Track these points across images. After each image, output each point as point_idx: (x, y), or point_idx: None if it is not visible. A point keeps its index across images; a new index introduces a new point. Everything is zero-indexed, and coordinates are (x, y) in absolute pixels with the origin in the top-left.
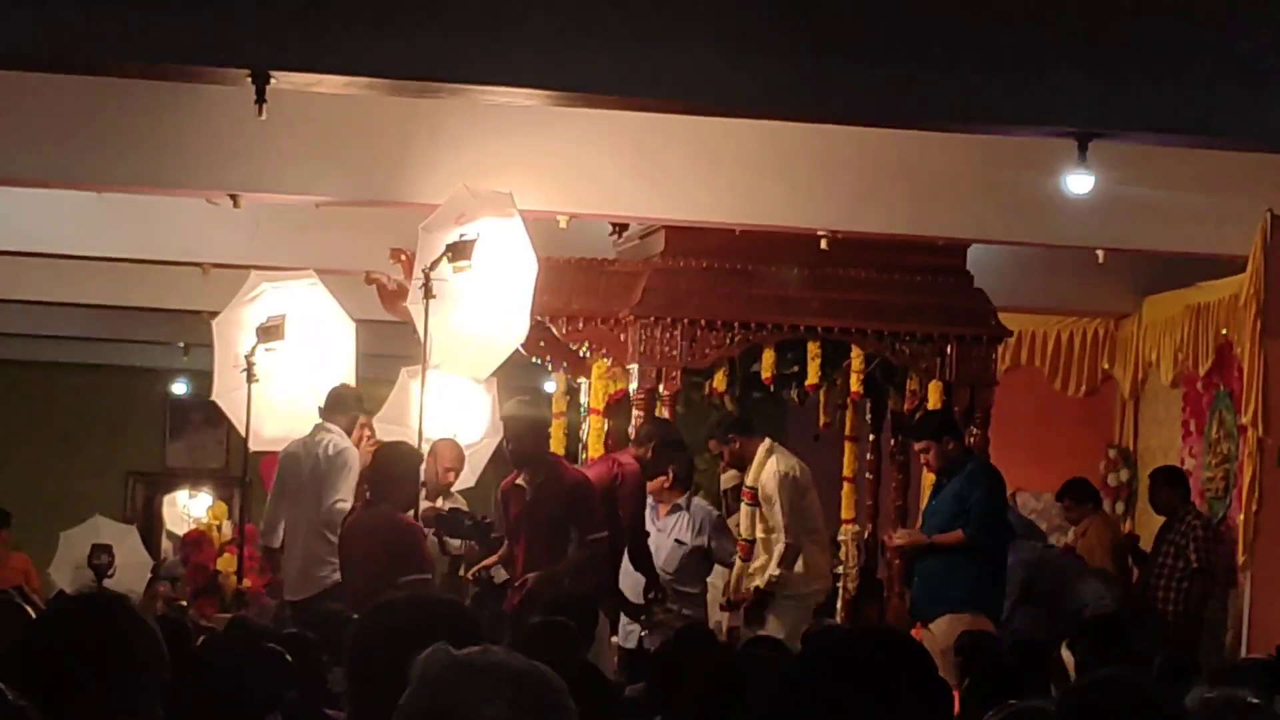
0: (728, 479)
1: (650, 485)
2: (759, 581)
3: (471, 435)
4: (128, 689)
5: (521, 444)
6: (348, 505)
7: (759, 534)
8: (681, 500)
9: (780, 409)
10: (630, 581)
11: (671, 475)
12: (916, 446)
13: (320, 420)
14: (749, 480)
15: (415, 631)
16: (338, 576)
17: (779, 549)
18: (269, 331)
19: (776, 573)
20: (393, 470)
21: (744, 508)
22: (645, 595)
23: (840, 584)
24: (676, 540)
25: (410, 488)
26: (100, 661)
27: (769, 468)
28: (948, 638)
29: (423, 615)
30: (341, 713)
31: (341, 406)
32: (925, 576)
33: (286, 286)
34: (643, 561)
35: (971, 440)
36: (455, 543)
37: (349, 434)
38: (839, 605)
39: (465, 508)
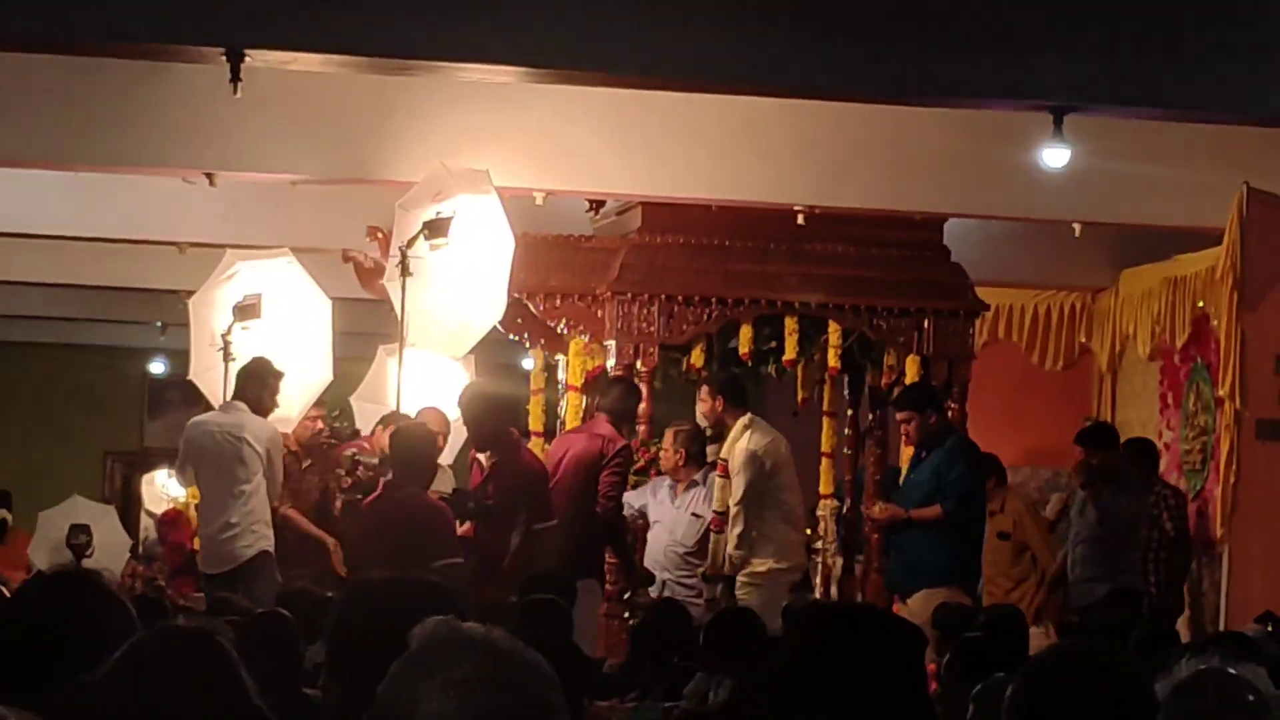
0: (709, 453)
1: (665, 465)
2: (725, 567)
3: (449, 413)
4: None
5: (480, 427)
6: (256, 482)
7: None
8: (698, 475)
9: (758, 384)
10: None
11: (685, 453)
12: (899, 417)
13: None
14: (723, 452)
15: (397, 610)
16: (256, 549)
17: (737, 528)
18: (245, 310)
19: (731, 552)
20: (414, 451)
21: (717, 480)
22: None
23: (820, 559)
24: (694, 514)
25: (432, 468)
26: (73, 639)
27: (740, 443)
28: (924, 612)
29: (404, 594)
30: (317, 690)
31: (251, 382)
32: (902, 550)
33: (262, 265)
34: (615, 537)
35: (950, 414)
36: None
37: (261, 407)
38: (818, 580)
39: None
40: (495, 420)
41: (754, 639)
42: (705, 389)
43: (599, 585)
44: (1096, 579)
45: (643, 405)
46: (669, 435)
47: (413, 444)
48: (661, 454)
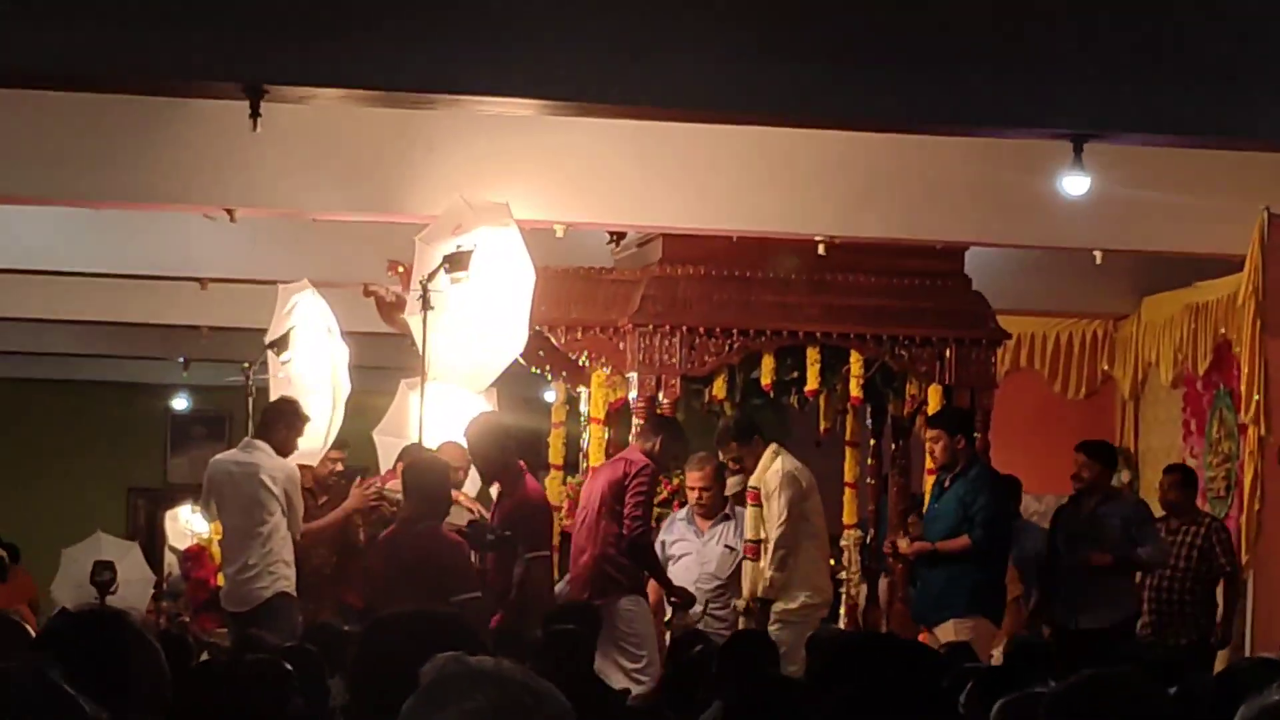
0: (733, 484)
1: (704, 499)
2: (760, 591)
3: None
4: (129, 707)
5: (486, 459)
6: (274, 523)
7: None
8: (727, 508)
9: (781, 415)
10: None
11: (699, 493)
12: (928, 435)
13: (251, 436)
14: (753, 480)
15: (417, 645)
16: (276, 589)
17: (773, 549)
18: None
19: (769, 576)
20: (427, 484)
21: (749, 509)
22: (668, 600)
23: (843, 589)
24: (726, 546)
25: (446, 500)
26: (101, 679)
27: (774, 466)
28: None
29: (425, 629)
30: None
31: (278, 423)
32: (928, 581)
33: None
34: (644, 558)
35: (974, 444)
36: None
37: (285, 448)
38: (842, 610)
39: (476, 513)
40: (500, 452)
41: (769, 664)
42: (734, 444)
43: (644, 599)
44: None
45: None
46: (708, 470)
47: (426, 477)
48: (695, 489)
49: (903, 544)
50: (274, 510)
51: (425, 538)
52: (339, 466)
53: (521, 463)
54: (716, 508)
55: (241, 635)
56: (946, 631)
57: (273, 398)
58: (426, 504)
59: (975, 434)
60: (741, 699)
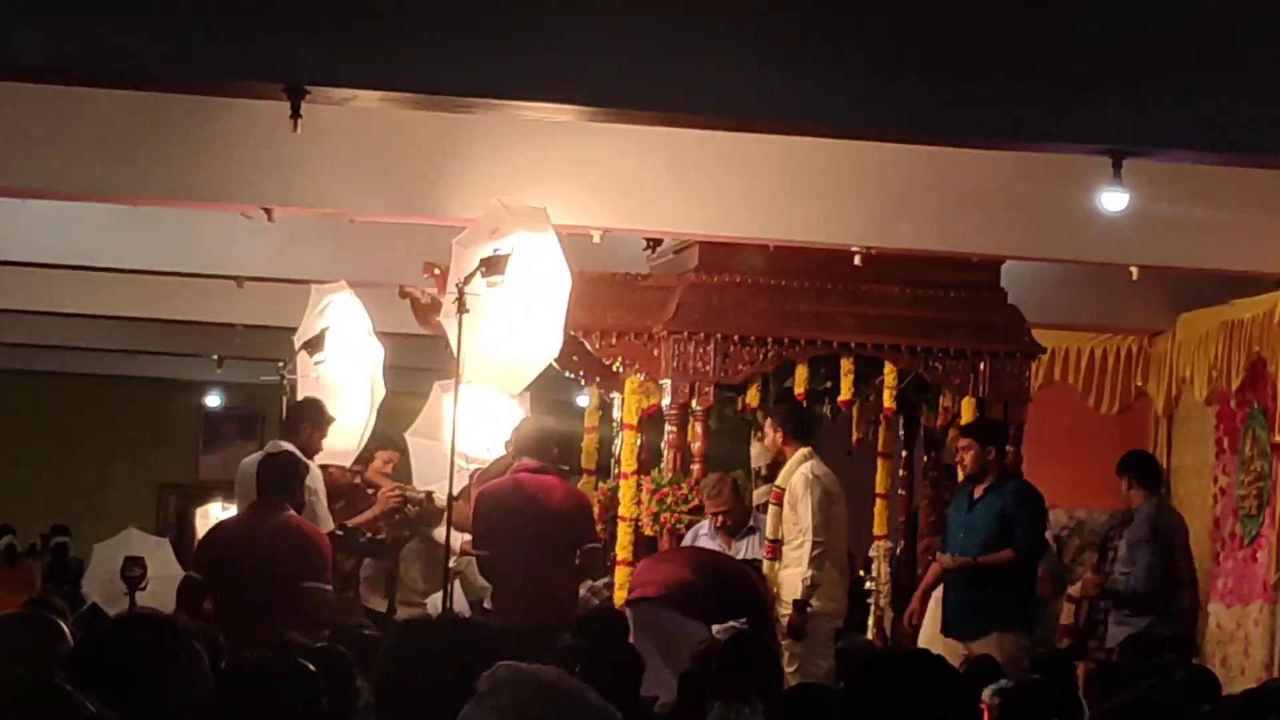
0: (759, 494)
1: (725, 510)
2: (796, 593)
3: (503, 449)
4: (172, 713)
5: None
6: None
7: (785, 536)
8: (752, 520)
9: (815, 425)
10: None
11: (722, 518)
12: (960, 443)
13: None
14: (779, 481)
15: (443, 652)
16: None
17: (808, 550)
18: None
19: (809, 574)
20: (284, 474)
21: (771, 508)
22: None
23: (872, 600)
24: (751, 558)
25: (301, 491)
26: (143, 687)
27: (801, 469)
28: (1000, 655)
29: (450, 637)
30: None
31: (303, 423)
32: (962, 594)
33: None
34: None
35: (1006, 457)
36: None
37: (310, 448)
38: (870, 622)
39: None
40: (546, 457)
41: (769, 666)
42: (769, 421)
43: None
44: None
45: (698, 444)
46: (725, 494)
47: (282, 468)
48: (715, 514)
49: (947, 560)
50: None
51: (279, 526)
52: (389, 469)
53: (565, 467)
54: (740, 525)
55: (268, 636)
56: (989, 646)
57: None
58: (281, 494)
59: (1008, 447)
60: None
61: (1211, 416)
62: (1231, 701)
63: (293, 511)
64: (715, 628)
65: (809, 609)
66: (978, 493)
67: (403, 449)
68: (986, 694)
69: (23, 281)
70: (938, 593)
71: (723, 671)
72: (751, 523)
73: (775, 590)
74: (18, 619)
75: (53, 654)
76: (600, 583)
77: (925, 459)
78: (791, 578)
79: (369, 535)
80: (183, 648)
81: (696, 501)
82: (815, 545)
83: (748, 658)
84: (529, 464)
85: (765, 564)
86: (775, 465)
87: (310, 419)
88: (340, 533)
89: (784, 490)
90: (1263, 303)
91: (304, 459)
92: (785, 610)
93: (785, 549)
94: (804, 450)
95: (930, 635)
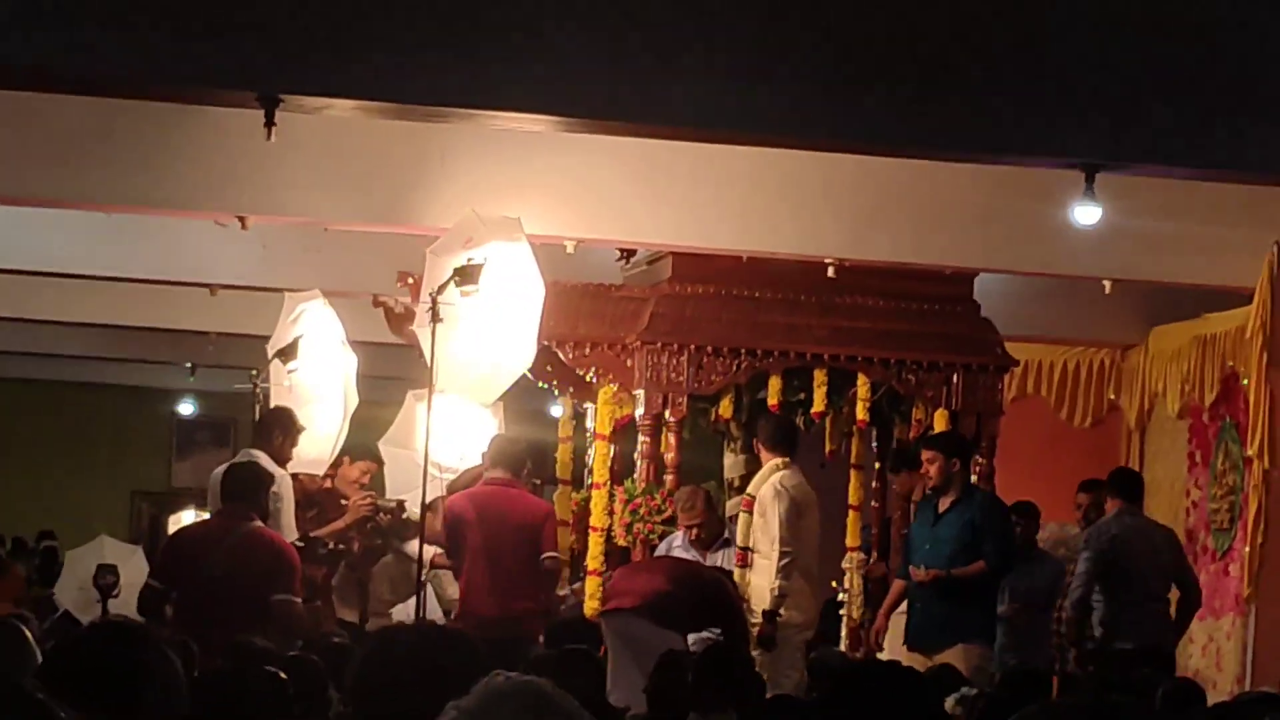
0: (732, 505)
1: (690, 539)
2: (765, 603)
3: (476, 459)
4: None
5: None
6: (293, 532)
7: (755, 545)
8: (726, 533)
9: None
10: None
11: (696, 531)
12: (924, 456)
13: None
14: (750, 489)
15: (418, 660)
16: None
17: (777, 560)
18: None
19: (777, 584)
20: (247, 484)
21: (742, 516)
22: None
23: (844, 611)
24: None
25: (265, 501)
26: (116, 694)
27: (771, 480)
28: (965, 667)
29: (426, 644)
30: None
31: (275, 431)
32: (929, 605)
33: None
34: None
35: (977, 470)
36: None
37: (281, 456)
38: (843, 633)
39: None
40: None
41: (748, 677)
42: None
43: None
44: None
45: (671, 454)
46: (697, 506)
47: (245, 477)
48: (689, 527)
49: (918, 573)
50: (281, 523)
51: (247, 536)
52: (366, 479)
53: (537, 481)
54: (714, 537)
55: (235, 643)
56: (954, 657)
57: (277, 406)
58: (244, 503)
59: (978, 459)
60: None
61: (1184, 430)
62: (1204, 715)
63: (259, 521)
64: (691, 638)
65: (778, 618)
66: (943, 505)
67: (381, 460)
68: (949, 702)
69: None
70: (900, 610)
71: (700, 683)
72: (725, 534)
73: (745, 599)
74: None
75: (16, 661)
76: (569, 592)
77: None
78: (760, 587)
79: (330, 545)
80: (156, 656)
81: (670, 512)
82: (783, 555)
83: (725, 669)
84: (498, 477)
85: (736, 572)
86: (748, 476)
87: (281, 427)
88: (301, 543)
89: (754, 498)
90: (1235, 317)
91: (268, 468)
92: (755, 620)
93: (756, 557)
94: (777, 460)
95: (893, 651)
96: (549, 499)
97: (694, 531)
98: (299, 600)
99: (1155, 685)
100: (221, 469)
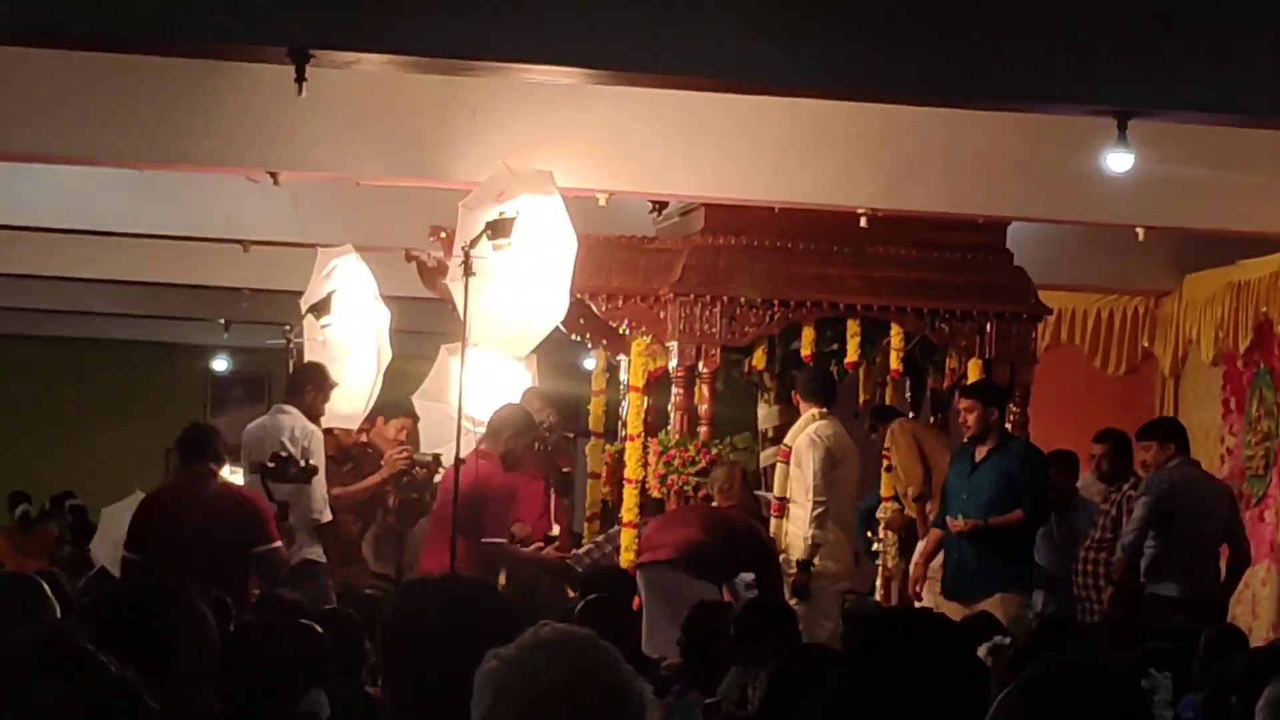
0: (767, 456)
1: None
2: (799, 553)
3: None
4: (179, 678)
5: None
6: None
7: (792, 494)
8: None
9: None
10: None
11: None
12: (962, 405)
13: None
14: (786, 439)
15: (446, 613)
16: (297, 558)
17: (811, 510)
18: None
19: (810, 534)
20: (205, 437)
21: (779, 467)
22: None
23: (880, 562)
24: None
25: (219, 457)
26: (148, 651)
27: (807, 431)
28: (1003, 616)
29: (454, 597)
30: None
31: (307, 386)
32: (965, 555)
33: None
34: None
35: (1011, 418)
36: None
37: (313, 412)
38: (878, 582)
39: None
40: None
41: (787, 630)
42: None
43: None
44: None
45: (704, 406)
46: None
47: (197, 436)
48: (725, 495)
49: (956, 523)
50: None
51: (215, 497)
52: (404, 435)
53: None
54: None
55: (263, 595)
56: (993, 606)
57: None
58: (205, 458)
59: (1012, 408)
60: (779, 669)
61: (1218, 377)
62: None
63: (219, 475)
64: (738, 584)
65: (813, 568)
66: (979, 455)
67: (416, 415)
68: (981, 651)
69: (29, 247)
70: (937, 560)
71: (740, 636)
72: (764, 514)
73: (782, 548)
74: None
75: (36, 617)
76: (607, 543)
77: (932, 420)
78: (796, 537)
79: (302, 464)
80: (189, 611)
81: (704, 464)
82: (817, 505)
83: (767, 622)
84: (483, 450)
85: (773, 522)
86: (782, 428)
87: (313, 382)
88: (272, 464)
89: (790, 449)
90: (1269, 263)
91: (300, 423)
92: (789, 570)
93: (792, 507)
94: (815, 411)
95: (932, 602)
96: (581, 452)
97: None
98: (278, 543)
99: (1196, 633)
100: (255, 425)
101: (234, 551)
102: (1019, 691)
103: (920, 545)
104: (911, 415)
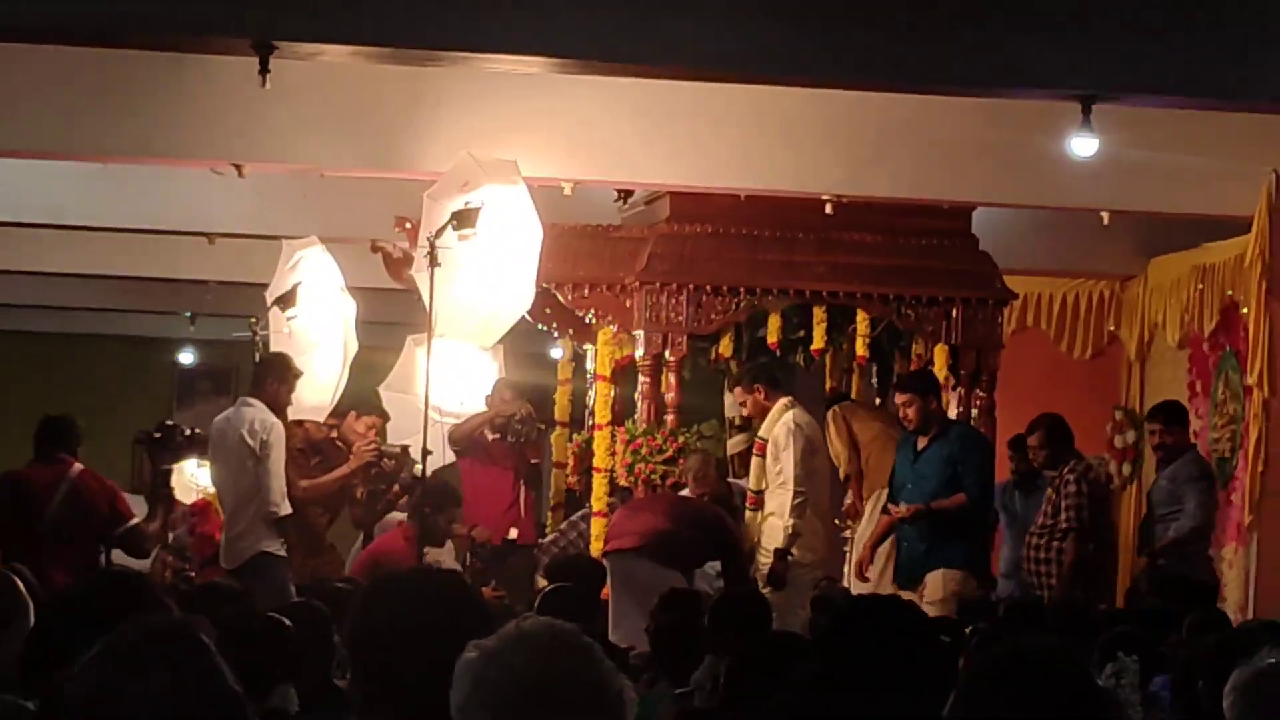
0: (734, 444)
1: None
2: (777, 541)
3: (477, 402)
4: None
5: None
6: (254, 480)
7: (768, 486)
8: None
9: (787, 373)
10: None
11: (706, 499)
12: (900, 399)
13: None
14: (761, 432)
15: (416, 604)
16: (255, 550)
17: (789, 499)
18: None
19: (790, 523)
20: (60, 427)
21: (754, 459)
22: None
23: (848, 549)
24: None
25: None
26: None
27: (784, 419)
28: (942, 591)
29: (421, 591)
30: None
31: (270, 378)
32: (916, 542)
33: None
34: None
35: (978, 403)
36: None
37: (277, 403)
38: (848, 569)
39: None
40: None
41: (761, 620)
42: (739, 389)
43: None
44: None
45: (671, 394)
46: (709, 474)
47: (55, 425)
48: (699, 484)
49: (902, 509)
50: (252, 466)
51: (72, 487)
52: (373, 434)
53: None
54: (722, 505)
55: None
56: (935, 581)
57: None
58: (59, 447)
59: (979, 393)
60: (744, 656)
61: (1184, 360)
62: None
63: (78, 464)
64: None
65: (790, 557)
66: (921, 443)
67: (387, 415)
68: None
69: None
70: (885, 546)
71: (715, 626)
72: (737, 503)
73: (756, 539)
74: None
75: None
76: (571, 529)
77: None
78: (773, 527)
79: (189, 431)
80: (154, 605)
81: (671, 452)
82: (797, 494)
83: (741, 611)
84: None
85: (748, 514)
86: (749, 416)
87: (274, 374)
88: (158, 434)
89: (766, 441)
90: (1234, 246)
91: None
92: (766, 559)
93: (768, 497)
94: (785, 400)
95: (877, 584)
96: (548, 441)
97: (704, 499)
98: (134, 521)
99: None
100: (222, 418)
101: (98, 536)
102: (977, 677)
103: (860, 526)
104: (878, 401)
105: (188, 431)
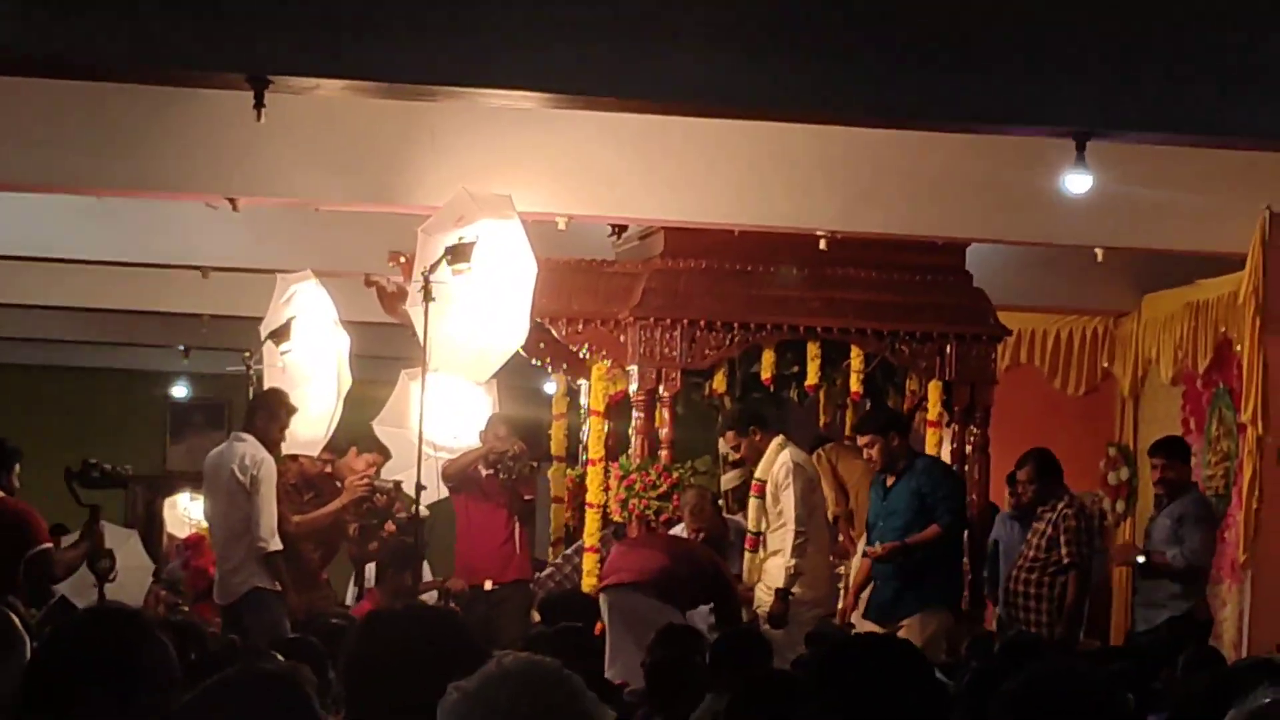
0: (728, 480)
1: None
2: (779, 581)
3: (471, 438)
4: (137, 705)
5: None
6: (245, 516)
7: (766, 528)
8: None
9: (781, 409)
10: None
11: (702, 535)
12: (861, 441)
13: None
14: (758, 473)
15: (410, 641)
16: (249, 586)
17: (791, 538)
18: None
19: (792, 563)
20: None
21: (753, 501)
22: None
23: (842, 584)
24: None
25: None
26: (110, 680)
27: (781, 458)
28: (923, 633)
29: (415, 627)
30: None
31: (260, 413)
32: (892, 580)
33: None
34: None
35: (972, 439)
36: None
37: (269, 439)
38: (840, 606)
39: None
40: None
41: (762, 658)
42: (731, 434)
43: None
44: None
45: (665, 430)
46: (706, 510)
47: None
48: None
49: (877, 548)
50: (242, 501)
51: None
52: (373, 471)
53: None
54: (718, 540)
55: (227, 628)
56: (912, 626)
57: (268, 387)
58: None
59: (973, 429)
60: (743, 695)
61: (1178, 397)
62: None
63: (2, 492)
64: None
65: (791, 596)
66: (890, 481)
67: (388, 453)
68: None
69: None
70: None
71: (715, 663)
72: (732, 539)
73: (757, 579)
74: None
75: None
76: (565, 564)
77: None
78: (774, 566)
79: (109, 468)
80: (151, 641)
81: (665, 487)
82: (798, 534)
83: (742, 649)
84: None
85: (747, 556)
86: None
87: (265, 409)
88: (78, 470)
89: (764, 482)
90: (1228, 283)
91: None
92: (767, 597)
93: (769, 536)
94: (779, 439)
95: (862, 628)
96: (544, 476)
97: (700, 535)
98: (47, 545)
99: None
100: (216, 452)
101: (13, 558)
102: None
103: (848, 567)
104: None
105: (107, 467)
